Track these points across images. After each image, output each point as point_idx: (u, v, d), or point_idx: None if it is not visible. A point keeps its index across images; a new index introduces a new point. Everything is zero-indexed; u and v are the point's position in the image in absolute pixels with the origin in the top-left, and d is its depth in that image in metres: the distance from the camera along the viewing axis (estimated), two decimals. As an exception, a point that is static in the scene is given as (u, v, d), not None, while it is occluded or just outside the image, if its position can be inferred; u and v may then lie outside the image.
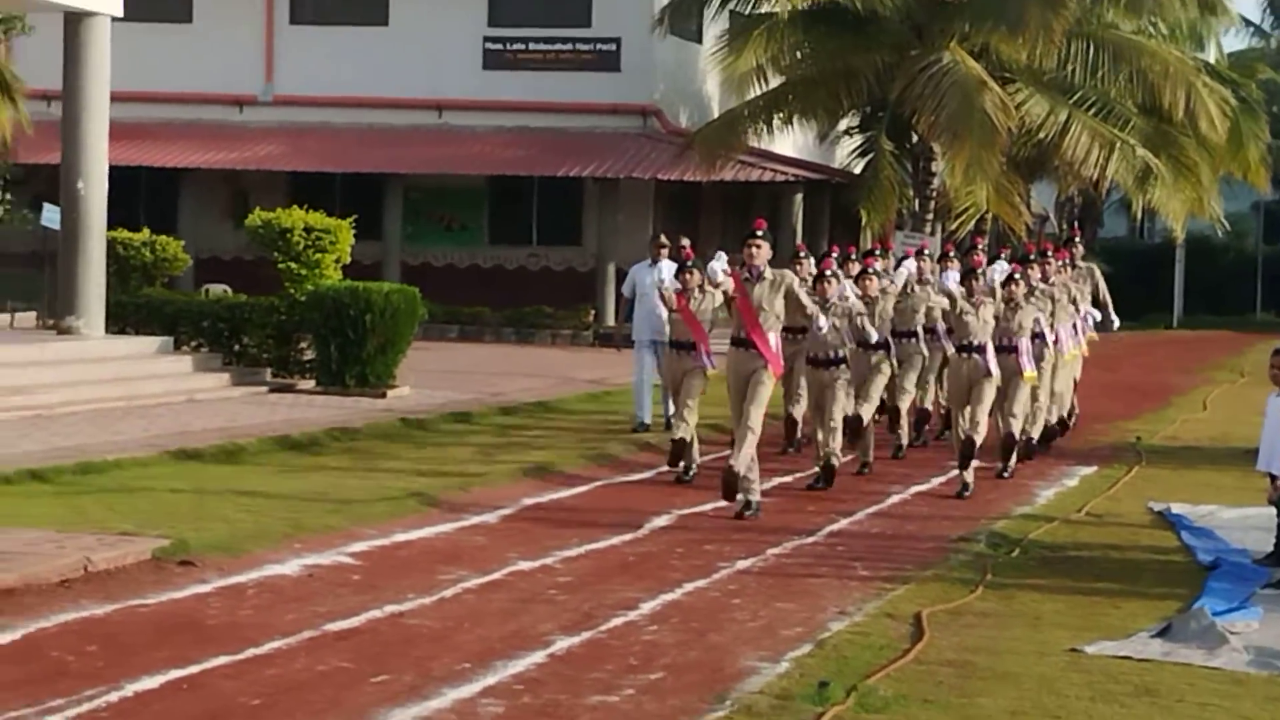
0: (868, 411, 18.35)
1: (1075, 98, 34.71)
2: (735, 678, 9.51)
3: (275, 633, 10.16)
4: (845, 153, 41.96)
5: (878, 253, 21.45)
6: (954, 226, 34.14)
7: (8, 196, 31.71)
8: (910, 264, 19.90)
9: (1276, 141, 46.58)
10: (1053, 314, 19.85)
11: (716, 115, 38.04)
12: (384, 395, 23.40)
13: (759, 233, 15.52)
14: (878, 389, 18.76)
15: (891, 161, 34.68)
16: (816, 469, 17.34)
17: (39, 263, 29.08)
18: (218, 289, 29.91)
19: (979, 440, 17.23)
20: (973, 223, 33.79)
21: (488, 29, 39.29)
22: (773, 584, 12.32)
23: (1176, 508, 16.30)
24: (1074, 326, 21.12)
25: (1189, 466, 19.95)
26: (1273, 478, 13.39)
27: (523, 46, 39.19)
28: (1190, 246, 52.75)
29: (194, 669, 9.25)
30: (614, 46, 38.70)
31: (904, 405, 19.86)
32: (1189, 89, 34.28)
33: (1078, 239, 24.35)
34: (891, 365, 18.93)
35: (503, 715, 8.68)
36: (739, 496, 15.22)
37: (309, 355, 24.54)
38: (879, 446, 19.15)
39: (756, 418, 15.23)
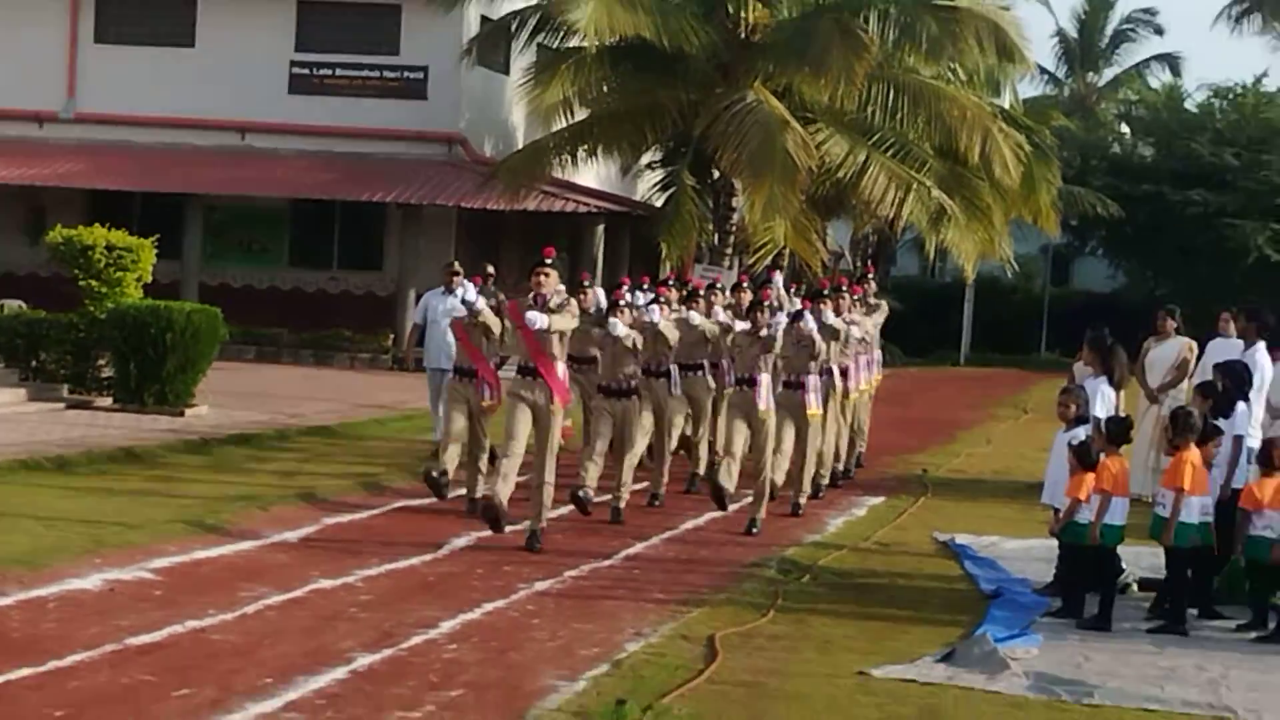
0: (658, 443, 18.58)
1: (875, 139, 35.31)
2: (534, 696, 9.74)
3: (78, 645, 10.23)
4: (647, 186, 42.38)
5: (671, 283, 21.27)
6: (752, 261, 34.62)
7: None
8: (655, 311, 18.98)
9: (1067, 187, 47.70)
10: (844, 349, 19.91)
11: (521, 145, 38.26)
12: (182, 414, 23.34)
13: (547, 260, 15.48)
14: (676, 427, 18.81)
15: (693, 196, 35.06)
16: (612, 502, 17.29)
17: None
18: (13, 305, 29.56)
19: (769, 477, 17.16)
20: (770, 258, 34.31)
21: (294, 53, 39.21)
22: (571, 605, 12.57)
23: (961, 538, 16.77)
24: (866, 363, 21.34)
25: (973, 499, 20.45)
26: (1055, 511, 13.91)
27: (330, 72, 39.17)
28: (980, 286, 53.81)
29: (-3, 679, 9.33)
30: (421, 75, 38.82)
31: (702, 447, 19.88)
32: (985, 134, 35.02)
33: (871, 275, 24.56)
34: (675, 396, 18.63)
35: (305, 728, 8.86)
36: (529, 525, 15.17)
37: (107, 372, 24.40)
38: (673, 480, 19.22)
39: (550, 469, 15.25)
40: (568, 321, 15.49)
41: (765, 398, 17.07)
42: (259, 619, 11.47)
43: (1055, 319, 57.37)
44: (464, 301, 16.13)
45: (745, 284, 22.50)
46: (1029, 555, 15.75)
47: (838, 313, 19.80)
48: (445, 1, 36.11)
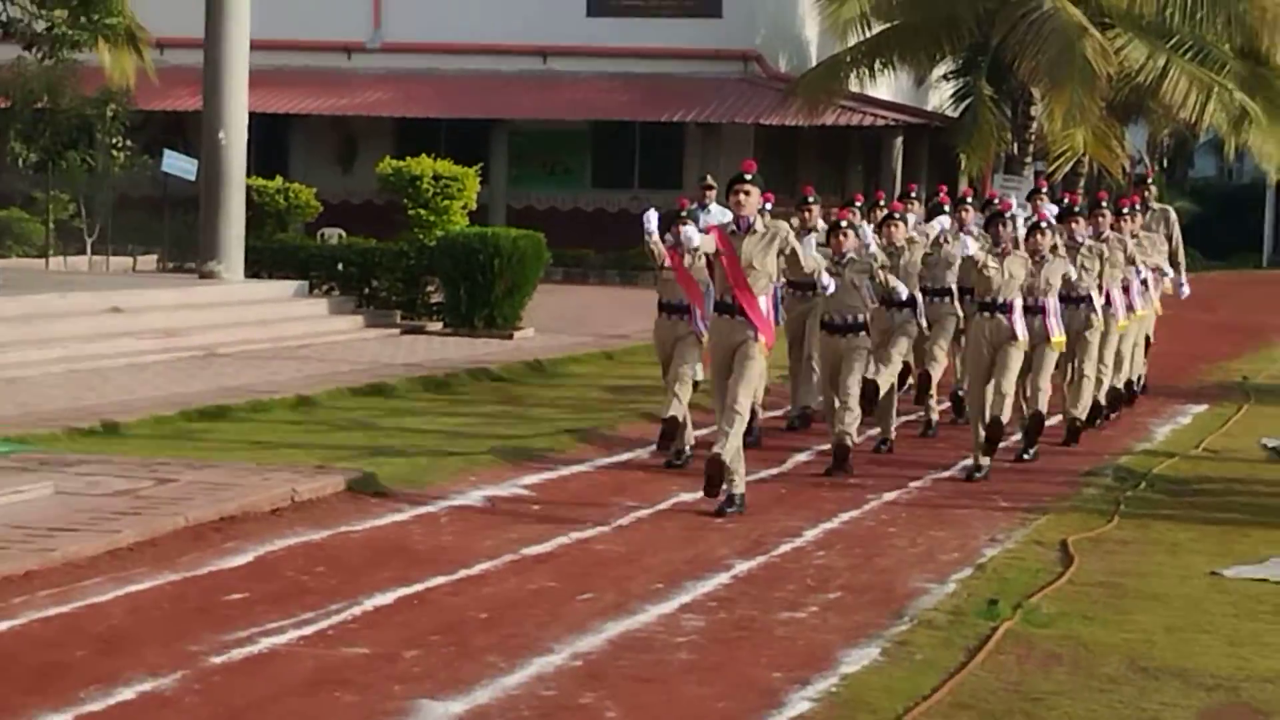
0: (886, 379, 15.85)
1: (1173, 42, 35.20)
2: (908, 596, 10.35)
3: (480, 556, 11.07)
4: (941, 97, 42.54)
5: (912, 196, 19.28)
6: (1051, 169, 34.79)
7: (128, 143, 32.45)
8: (943, 220, 17.33)
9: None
10: (1100, 272, 17.26)
11: (815, 60, 38.73)
12: (511, 337, 24.31)
13: (747, 176, 12.74)
14: (900, 352, 16.21)
15: (991, 105, 35.33)
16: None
17: (157, 207, 29.98)
18: (333, 233, 30.85)
19: (1005, 417, 14.96)
20: (1069, 165, 34.45)
21: (593, -24, 40.08)
22: (922, 514, 13.17)
23: (1291, 444, 17.03)
24: (1144, 283, 18.70)
25: (1296, 405, 20.63)
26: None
27: (627, -7, 39.97)
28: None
29: (418, 587, 10.17)
30: (717, -9, 39.42)
31: (936, 374, 17.25)
32: (1287, 32, 34.77)
33: (1150, 179, 23.40)
34: (920, 326, 16.47)
35: (704, 629, 9.55)
36: (723, 488, 12.78)
37: (437, 298, 25.41)
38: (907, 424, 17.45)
39: (745, 400, 12.75)
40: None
41: (1020, 325, 15.04)
42: (635, 530, 12.23)
43: (1358, 218, 56.36)
44: (683, 233, 13.04)
45: (1043, 189, 20.33)
46: (1359, 459, 16.00)
47: (1097, 232, 17.60)
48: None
